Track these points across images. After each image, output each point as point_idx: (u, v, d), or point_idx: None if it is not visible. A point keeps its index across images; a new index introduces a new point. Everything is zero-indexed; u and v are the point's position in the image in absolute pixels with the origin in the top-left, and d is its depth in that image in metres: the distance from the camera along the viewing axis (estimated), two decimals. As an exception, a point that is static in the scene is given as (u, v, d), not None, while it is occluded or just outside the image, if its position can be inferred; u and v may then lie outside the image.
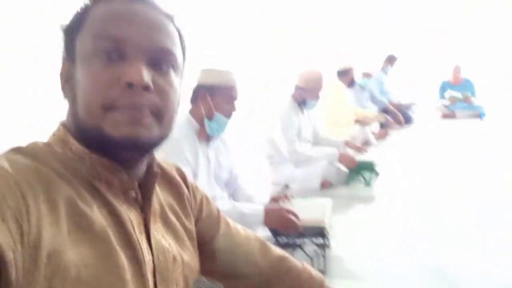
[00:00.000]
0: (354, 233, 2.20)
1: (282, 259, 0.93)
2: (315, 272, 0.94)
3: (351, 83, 4.86)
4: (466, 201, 2.72)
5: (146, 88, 0.61)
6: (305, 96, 3.14)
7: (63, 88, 0.67)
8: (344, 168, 3.17)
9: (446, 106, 6.39)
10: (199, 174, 1.92)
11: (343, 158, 3.12)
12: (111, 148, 0.62)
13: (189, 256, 0.75)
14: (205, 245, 0.85)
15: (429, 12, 7.66)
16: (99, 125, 0.60)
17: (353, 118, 4.66)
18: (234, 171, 2.24)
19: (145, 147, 0.65)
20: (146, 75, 0.61)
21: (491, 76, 7.06)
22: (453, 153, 4.14)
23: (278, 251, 0.95)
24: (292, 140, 3.10)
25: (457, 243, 2.09)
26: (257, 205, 1.87)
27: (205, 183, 1.95)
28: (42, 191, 0.54)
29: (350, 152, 3.44)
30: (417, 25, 7.76)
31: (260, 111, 4.43)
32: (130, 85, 0.60)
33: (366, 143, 4.47)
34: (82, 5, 0.66)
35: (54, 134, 0.66)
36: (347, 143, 3.57)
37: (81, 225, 0.56)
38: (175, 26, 0.69)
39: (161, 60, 0.65)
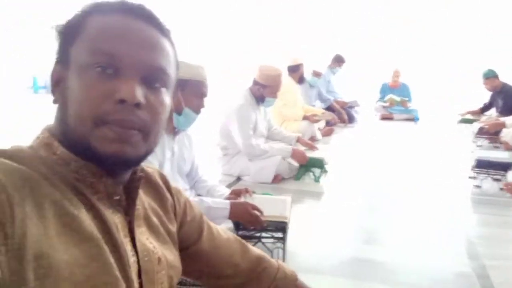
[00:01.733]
0: (304, 227, 2.33)
1: (260, 259, 0.97)
2: (289, 270, 0.99)
3: (300, 80, 4.99)
4: (403, 196, 2.98)
5: (137, 105, 0.62)
6: (263, 93, 3.20)
7: (53, 91, 0.67)
8: (295, 164, 3.30)
9: (385, 108, 6.79)
10: (165, 167, 1.94)
11: (295, 154, 3.25)
12: (96, 161, 0.64)
13: (172, 257, 0.77)
14: (189, 247, 0.88)
15: (375, 18, 8.05)
16: (87, 138, 0.61)
17: (301, 114, 4.82)
18: (195, 163, 2.27)
19: (131, 164, 0.67)
20: (139, 93, 0.62)
21: (426, 83, 7.60)
22: (391, 152, 4.45)
23: (256, 251, 0.99)
24: (249, 135, 3.16)
25: (396, 236, 2.30)
26: (223, 200, 1.93)
27: (168, 175, 1.96)
28: (28, 194, 0.54)
29: (301, 148, 3.58)
30: (364, 29, 8.13)
31: (214, 101, 4.44)
32: (122, 101, 0.61)
33: (312, 139, 4.64)
34: (79, 12, 0.66)
35: (38, 138, 0.66)
36: (299, 140, 3.70)
37: (70, 226, 0.57)
38: (171, 42, 0.70)
39: (154, 78, 0.66)
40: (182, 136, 2.13)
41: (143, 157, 0.67)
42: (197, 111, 1.96)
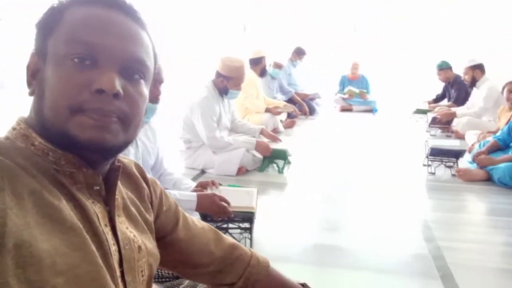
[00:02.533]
0: (269, 217, 2.38)
1: (233, 246, 0.99)
2: (261, 257, 1.01)
3: (262, 73, 5.04)
4: (363, 184, 3.09)
5: (116, 95, 0.62)
6: (227, 85, 3.21)
7: (29, 82, 0.67)
8: (259, 156, 3.34)
9: (344, 100, 6.96)
10: (129, 160, 1.92)
11: (259, 146, 3.28)
12: (75, 149, 0.63)
13: (151, 245, 0.79)
14: (166, 237, 0.89)
15: (334, 11, 8.21)
16: (65, 126, 0.61)
17: (263, 107, 4.87)
18: (159, 156, 2.26)
19: (110, 152, 0.67)
20: (118, 83, 0.62)
21: (384, 75, 7.85)
22: (350, 143, 4.59)
23: (229, 240, 1.01)
24: (213, 128, 3.16)
25: (357, 223, 2.39)
26: (190, 192, 1.94)
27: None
28: (6, 185, 0.55)
29: (265, 140, 3.62)
30: (324, 22, 8.27)
31: (176, 93, 4.40)
32: (100, 92, 0.61)
33: (275, 131, 4.70)
34: (56, 4, 0.66)
35: (14, 129, 0.66)
36: (262, 132, 3.74)
37: (50, 216, 0.57)
38: (149, 36, 0.71)
39: (133, 70, 0.66)
40: (145, 129, 2.11)
41: (123, 146, 0.68)
42: (155, 101, 1.91)
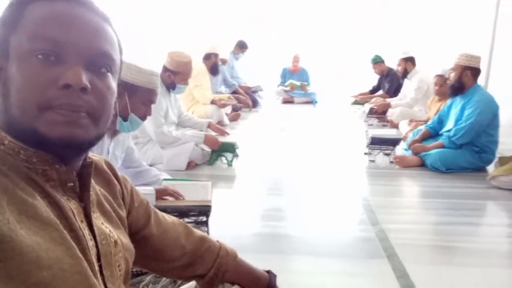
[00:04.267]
0: (222, 210, 2.41)
1: (203, 239, 1.01)
2: (229, 247, 1.04)
3: (213, 69, 5.08)
4: (308, 173, 3.22)
5: (83, 89, 0.62)
6: (174, 80, 3.18)
7: None
8: (208, 149, 3.35)
9: (286, 92, 7.12)
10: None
11: (208, 140, 3.30)
12: (46, 146, 0.63)
13: (126, 240, 0.79)
14: (138, 232, 0.90)
15: (275, 5, 8.35)
16: (34, 124, 0.60)
17: (210, 98, 4.88)
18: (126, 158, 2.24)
19: (82, 147, 0.67)
20: (84, 77, 0.62)
21: (323, 67, 8.13)
22: (294, 134, 4.73)
23: (199, 232, 1.03)
24: (160, 123, 3.13)
25: (306, 211, 2.50)
26: (149, 186, 1.93)
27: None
28: None
29: (212, 133, 3.64)
30: (265, 15, 8.40)
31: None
32: (67, 87, 0.60)
33: (220, 124, 4.73)
34: (15, 0, 0.64)
35: None
36: (210, 125, 3.75)
37: (26, 213, 0.57)
38: (113, 29, 0.70)
39: (100, 64, 0.66)
40: (117, 137, 2.07)
41: (94, 140, 0.67)
42: (143, 118, 1.90)
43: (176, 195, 1.93)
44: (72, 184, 0.68)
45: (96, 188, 0.77)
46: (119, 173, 0.89)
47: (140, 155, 3.23)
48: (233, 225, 2.26)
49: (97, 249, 0.68)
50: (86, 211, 0.70)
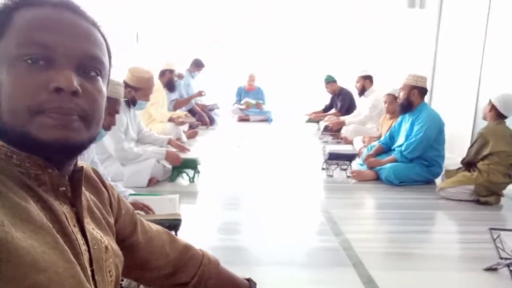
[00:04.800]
0: (186, 224, 2.41)
1: (186, 247, 1.01)
2: (212, 256, 1.05)
3: (169, 85, 5.06)
4: (267, 189, 3.28)
5: (74, 93, 0.62)
6: (135, 96, 3.15)
7: None
8: (169, 166, 3.33)
9: (241, 110, 7.21)
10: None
11: (169, 156, 3.28)
12: (39, 150, 0.63)
13: (115, 247, 0.80)
14: (125, 240, 0.90)
15: (233, 23, 8.50)
16: (26, 129, 0.60)
17: (167, 115, 4.85)
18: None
19: (74, 150, 0.67)
20: (75, 81, 0.62)
21: (278, 86, 8.34)
22: (251, 151, 4.80)
23: (182, 241, 1.04)
24: (121, 139, 3.08)
25: (268, 224, 2.55)
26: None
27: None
28: None
29: (172, 150, 3.61)
30: (221, 34, 8.52)
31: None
32: (58, 90, 0.61)
33: (178, 141, 4.70)
34: (2, 6, 0.64)
35: None
36: (170, 142, 3.73)
37: (20, 217, 0.57)
38: (102, 34, 0.71)
39: (89, 67, 0.66)
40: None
41: (86, 144, 0.67)
42: (107, 128, 1.88)
43: (146, 209, 1.92)
44: (64, 188, 0.69)
45: (86, 194, 0.77)
46: (106, 181, 0.89)
47: (100, 172, 3.18)
48: (199, 239, 2.26)
49: (89, 254, 0.68)
50: (78, 216, 0.70)
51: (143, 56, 6.02)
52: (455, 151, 4.28)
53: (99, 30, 0.71)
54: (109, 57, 0.74)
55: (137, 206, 1.91)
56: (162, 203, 2.04)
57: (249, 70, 7.49)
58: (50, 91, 0.60)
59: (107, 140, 3.05)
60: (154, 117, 4.73)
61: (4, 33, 0.62)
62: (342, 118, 5.67)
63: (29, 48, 0.61)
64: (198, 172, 3.42)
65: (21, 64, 0.61)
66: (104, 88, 0.70)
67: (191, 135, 5.34)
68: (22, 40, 0.61)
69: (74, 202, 0.70)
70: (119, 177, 3.12)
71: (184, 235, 2.18)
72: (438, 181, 3.50)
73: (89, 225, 0.72)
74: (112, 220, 0.84)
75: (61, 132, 0.62)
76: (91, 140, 0.69)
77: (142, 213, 1.94)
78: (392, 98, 4.23)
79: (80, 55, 0.65)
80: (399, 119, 3.82)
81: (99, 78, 0.68)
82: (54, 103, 0.61)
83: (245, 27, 8.60)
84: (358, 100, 5.79)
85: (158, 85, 4.68)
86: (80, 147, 0.67)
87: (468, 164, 3.18)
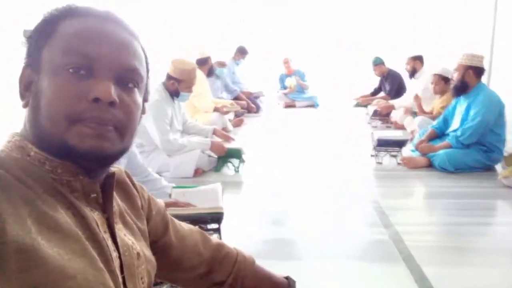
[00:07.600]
0: (231, 216, 2.40)
1: (220, 245, 1.00)
2: (247, 254, 1.03)
3: (210, 72, 5.04)
4: (314, 177, 3.21)
5: (112, 103, 0.63)
6: (178, 88, 3.18)
7: (22, 95, 0.67)
8: (214, 156, 3.34)
9: (286, 95, 7.11)
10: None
11: (214, 147, 3.29)
12: (74, 158, 0.64)
13: (148, 253, 0.79)
14: (158, 241, 0.89)
15: (273, 11, 8.42)
16: (63, 136, 0.62)
17: (212, 106, 4.87)
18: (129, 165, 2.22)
19: (108, 160, 0.68)
20: (114, 92, 0.64)
21: (324, 71, 8.16)
22: (298, 138, 4.72)
23: (215, 239, 1.03)
24: (166, 130, 3.12)
25: (316, 214, 2.48)
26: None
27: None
28: (1, 194, 0.55)
29: (217, 140, 3.63)
30: (263, 21, 8.46)
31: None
32: (97, 100, 0.62)
33: (224, 130, 4.72)
34: (49, 15, 0.67)
35: (9, 141, 0.66)
36: (215, 132, 3.74)
37: (47, 225, 0.57)
38: (142, 47, 0.73)
39: (128, 79, 0.68)
40: None
41: (120, 154, 0.69)
42: None
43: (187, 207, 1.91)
44: (95, 195, 0.69)
45: (117, 200, 0.77)
46: (137, 182, 0.88)
47: (146, 164, 3.24)
48: (244, 232, 2.24)
49: (120, 260, 0.68)
50: (109, 222, 0.70)
51: (173, 40, 5.98)
52: (517, 134, 3.98)
53: (139, 42, 0.72)
54: (147, 69, 0.75)
55: (179, 205, 1.90)
56: (204, 194, 2.04)
57: (284, 55, 7.32)
58: (89, 101, 0.62)
59: (153, 132, 3.11)
60: (198, 108, 4.76)
61: (48, 42, 0.65)
62: (391, 101, 5.44)
63: (72, 57, 0.63)
64: (243, 161, 3.40)
65: (63, 73, 0.63)
66: (140, 100, 0.71)
67: (237, 123, 5.35)
68: (65, 49, 0.63)
69: (105, 208, 0.70)
70: (165, 168, 3.18)
71: (229, 227, 2.18)
72: (498, 167, 3.26)
73: (121, 231, 0.72)
74: (143, 226, 0.83)
75: (97, 142, 0.63)
76: (124, 152, 0.69)
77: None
78: (438, 78, 3.99)
79: (120, 66, 0.66)
80: (453, 101, 3.59)
81: (136, 89, 0.70)
82: (93, 113, 0.62)
83: (286, 12, 8.44)
84: (408, 82, 5.53)
85: (199, 76, 4.67)
86: (114, 158, 0.68)
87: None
